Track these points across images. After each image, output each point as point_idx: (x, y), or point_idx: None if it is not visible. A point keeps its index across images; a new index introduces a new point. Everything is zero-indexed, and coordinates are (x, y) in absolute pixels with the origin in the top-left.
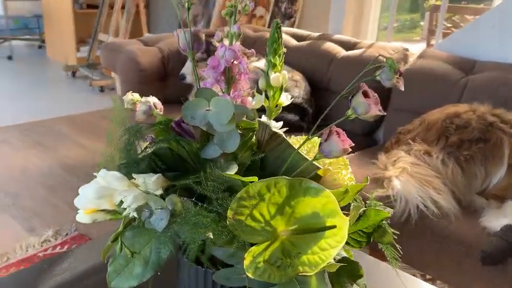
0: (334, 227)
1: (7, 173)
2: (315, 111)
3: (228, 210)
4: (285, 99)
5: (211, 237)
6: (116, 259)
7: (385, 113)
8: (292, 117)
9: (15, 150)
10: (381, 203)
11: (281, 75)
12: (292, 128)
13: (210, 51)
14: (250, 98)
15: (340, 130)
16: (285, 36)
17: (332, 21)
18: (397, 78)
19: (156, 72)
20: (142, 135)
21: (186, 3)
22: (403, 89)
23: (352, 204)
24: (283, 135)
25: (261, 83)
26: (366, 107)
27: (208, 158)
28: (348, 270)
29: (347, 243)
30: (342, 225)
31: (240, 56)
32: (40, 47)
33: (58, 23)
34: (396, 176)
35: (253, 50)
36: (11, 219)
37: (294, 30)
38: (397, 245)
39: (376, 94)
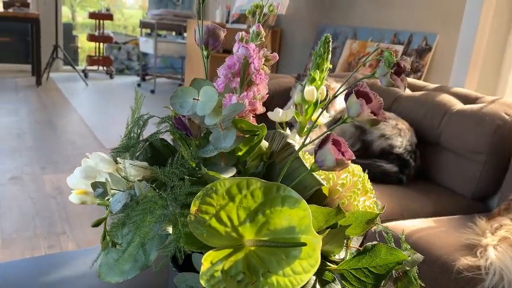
0: (303, 244)
1: None
2: (419, 166)
3: (191, 205)
4: (320, 117)
5: (170, 232)
6: (109, 252)
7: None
8: (390, 167)
9: None
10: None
11: (318, 90)
12: (390, 179)
13: None
14: (260, 105)
15: (341, 139)
16: None
17: (454, 73)
18: (393, 74)
19: None
20: (145, 124)
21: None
22: (403, 91)
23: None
24: (296, 147)
25: (297, 97)
26: (357, 108)
27: (209, 161)
28: None
29: (345, 279)
30: (315, 245)
31: (255, 55)
32: (180, 85)
33: (197, 64)
34: (494, 246)
35: (275, 54)
36: None
37: (410, 80)
38: None
39: (381, 98)
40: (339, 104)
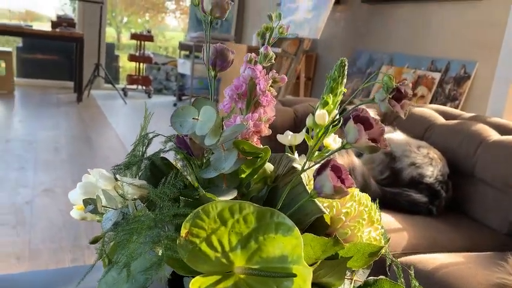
0: (294, 275)
1: None
2: (450, 197)
3: (182, 228)
4: (331, 142)
5: (159, 253)
6: (109, 270)
7: (388, 149)
8: (419, 197)
9: None
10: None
11: (329, 114)
12: (419, 210)
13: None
14: (266, 127)
15: (341, 165)
16: (432, 113)
17: (492, 102)
18: (391, 99)
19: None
20: (149, 142)
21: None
22: (403, 117)
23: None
24: (300, 174)
25: (308, 120)
26: (355, 134)
27: (212, 183)
28: None
29: None
30: (306, 276)
31: (261, 77)
32: None
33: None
34: None
35: (284, 77)
36: None
37: (444, 108)
38: None
39: (382, 125)
40: None
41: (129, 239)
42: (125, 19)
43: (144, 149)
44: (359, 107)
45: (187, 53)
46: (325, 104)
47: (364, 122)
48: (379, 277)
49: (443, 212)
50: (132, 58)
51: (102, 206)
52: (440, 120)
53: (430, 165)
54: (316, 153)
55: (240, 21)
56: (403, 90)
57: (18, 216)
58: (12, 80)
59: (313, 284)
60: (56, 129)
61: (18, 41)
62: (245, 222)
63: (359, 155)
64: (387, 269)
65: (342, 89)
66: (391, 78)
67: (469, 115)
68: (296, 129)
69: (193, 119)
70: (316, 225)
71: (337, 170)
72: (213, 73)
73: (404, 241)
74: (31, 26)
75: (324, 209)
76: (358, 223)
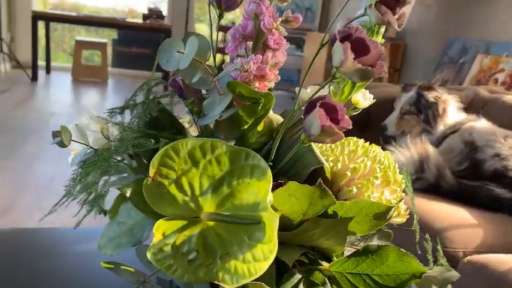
0: (258, 221)
1: None
2: None
3: (150, 167)
4: (360, 99)
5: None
6: (112, 224)
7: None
8: (502, 192)
9: None
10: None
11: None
12: (501, 206)
13: (420, 104)
14: (275, 73)
15: (337, 104)
16: None
17: None
18: (380, 4)
19: (358, 120)
20: (150, 89)
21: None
22: (397, 28)
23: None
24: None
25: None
26: (340, 54)
27: (209, 133)
28: None
29: (338, 284)
30: (271, 223)
31: (267, 13)
32: (293, 97)
33: (314, 78)
34: None
35: (298, 15)
36: None
37: None
38: None
39: (382, 48)
40: (451, 117)
41: (87, 172)
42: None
43: (147, 94)
44: (352, 24)
45: None
46: None
47: (358, 43)
48: (384, 243)
49: None
50: (219, 51)
51: (73, 140)
52: None
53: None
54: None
55: (324, 11)
56: None
57: None
58: (107, 70)
59: (311, 248)
60: None
61: (114, 34)
62: (218, 164)
63: (438, 144)
64: (417, 245)
65: (379, 39)
66: None
67: None
68: (369, 116)
69: (177, 52)
70: (314, 180)
71: (330, 108)
72: (217, 12)
73: (479, 239)
74: (125, 19)
75: (322, 160)
76: (368, 181)
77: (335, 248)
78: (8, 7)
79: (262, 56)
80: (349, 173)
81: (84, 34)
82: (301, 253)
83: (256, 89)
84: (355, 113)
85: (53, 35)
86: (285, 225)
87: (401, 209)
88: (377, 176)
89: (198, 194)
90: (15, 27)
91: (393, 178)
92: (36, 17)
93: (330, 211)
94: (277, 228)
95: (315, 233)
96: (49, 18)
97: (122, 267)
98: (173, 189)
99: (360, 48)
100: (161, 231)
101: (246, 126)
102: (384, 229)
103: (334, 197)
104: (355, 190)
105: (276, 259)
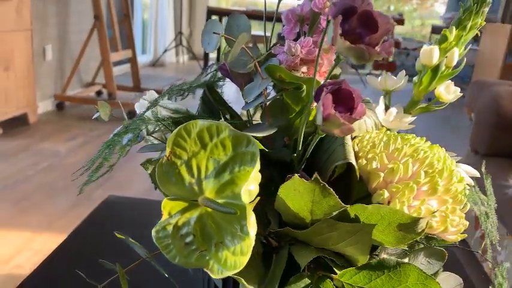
0: (232, 212)
1: None
2: None
3: (166, 147)
4: (443, 91)
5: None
6: None
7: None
8: None
9: None
10: None
11: (444, 53)
12: None
13: None
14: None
15: (353, 89)
16: None
17: None
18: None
19: None
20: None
21: None
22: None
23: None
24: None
25: (417, 63)
26: (331, 31)
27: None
28: None
29: None
30: (245, 214)
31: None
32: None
33: (488, 74)
34: None
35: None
36: None
37: None
38: None
39: (391, 22)
40: None
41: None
42: (392, 7)
43: (208, 78)
44: None
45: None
46: (442, 40)
47: (367, 19)
48: (404, 261)
49: None
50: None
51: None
52: None
53: None
54: (422, 104)
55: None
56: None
57: None
58: None
59: (334, 254)
60: None
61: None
62: (223, 148)
63: None
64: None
65: (478, 21)
66: None
67: None
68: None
69: (214, 33)
70: (342, 178)
71: (345, 95)
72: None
73: None
74: None
75: (349, 156)
76: (406, 186)
77: (358, 257)
78: (189, 4)
79: (311, 39)
80: (382, 174)
81: (257, 28)
82: (317, 256)
83: (303, 75)
84: (439, 108)
85: None
86: (299, 223)
87: (457, 224)
88: (419, 181)
89: (203, 177)
90: (194, 22)
91: (445, 187)
92: (210, 12)
93: (351, 214)
94: (250, 219)
95: (331, 236)
96: (222, 13)
97: (130, 239)
98: (183, 170)
99: (368, 25)
100: (167, 210)
101: (293, 114)
102: (436, 246)
103: (337, 196)
104: (386, 194)
105: (289, 257)
